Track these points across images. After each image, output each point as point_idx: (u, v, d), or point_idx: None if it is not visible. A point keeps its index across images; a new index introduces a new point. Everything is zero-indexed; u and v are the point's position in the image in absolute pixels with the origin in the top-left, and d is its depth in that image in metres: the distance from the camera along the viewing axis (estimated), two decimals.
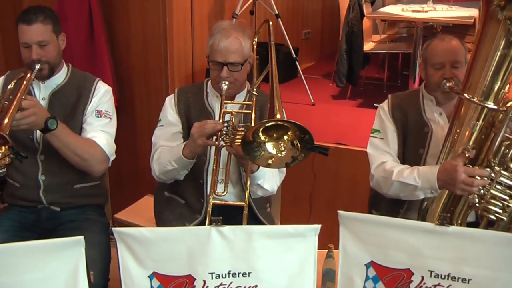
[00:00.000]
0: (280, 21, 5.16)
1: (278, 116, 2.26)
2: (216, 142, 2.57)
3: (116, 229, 1.90)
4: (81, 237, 1.86)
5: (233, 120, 2.64)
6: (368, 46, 5.94)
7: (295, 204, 4.37)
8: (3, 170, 3.93)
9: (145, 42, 4.48)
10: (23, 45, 2.75)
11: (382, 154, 2.86)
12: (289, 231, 1.96)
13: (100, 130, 2.84)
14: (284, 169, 2.91)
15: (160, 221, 3.00)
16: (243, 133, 2.49)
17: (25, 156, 2.46)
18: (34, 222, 2.89)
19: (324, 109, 5.41)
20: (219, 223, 1.90)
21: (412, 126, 2.86)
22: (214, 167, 2.62)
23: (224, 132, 2.55)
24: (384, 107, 2.93)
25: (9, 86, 2.72)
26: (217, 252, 1.92)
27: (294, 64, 5.62)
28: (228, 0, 5.15)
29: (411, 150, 2.86)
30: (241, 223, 2.63)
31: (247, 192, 2.63)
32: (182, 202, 2.95)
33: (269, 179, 2.79)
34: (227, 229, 1.91)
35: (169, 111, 2.92)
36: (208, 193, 2.77)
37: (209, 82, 2.94)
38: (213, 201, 2.58)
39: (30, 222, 2.89)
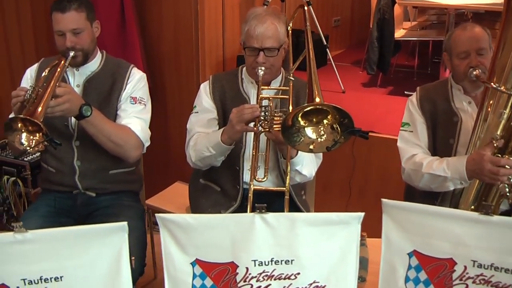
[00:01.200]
0: (311, 8, 5.11)
1: (318, 100, 2.24)
2: (255, 128, 2.56)
3: (159, 215, 1.90)
4: (125, 223, 1.86)
5: (271, 106, 2.63)
6: (399, 33, 5.88)
7: (326, 192, 4.35)
8: (36, 155, 3.99)
9: (177, 30, 4.46)
10: (57, 33, 2.75)
11: (412, 147, 2.84)
12: (333, 218, 1.94)
13: (134, 116, 2.84)
14: (321, 155, 2.90)
15: (196, 208, 3.00)
16: (281, 118, 2.49)
17: (59, 143, 2.46)
18: (70, 208, 2.91)
19: (355, 96, 5.37)
20: (263, 210, 1.89)
21: (441, 117, 2.83)
22: (254, 153, 2.62)
23: (262, 118, 2.54)
24: (412, 100, 2.90)
25: (44, 74, 2.72)
26: (260, 239, 1.91)
27: (324, 52, 5.57)
28: None
29: (442, 141, 2.83)
30: (278, 210, 2.59)
31: (288, 178, 2.61)
32: (217, 189, 2.94)
33: (307, 165, 2.78)
34: (271, 216, 1.90)
35: (204, 98, 2.92)
36: (248, 179, 2.77)
37: (244, 68, 2.94)
38: (254, 187, 2.57)
39: (66, 207, 2.90)
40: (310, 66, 2.48)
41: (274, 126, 2.51)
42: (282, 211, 2.66)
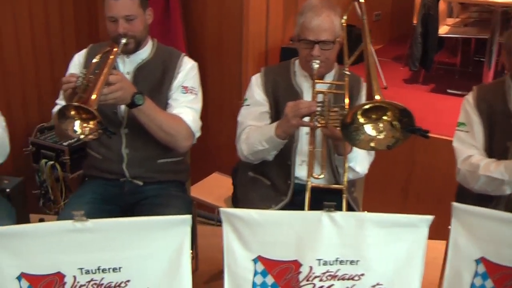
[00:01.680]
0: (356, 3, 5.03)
1: (378, 97, 2.19)
2: (311, 123, 2.51)
3: (223, 210, 1.86)
4: (189, 216, 1.83)
5: (327, 101, 2.57)
6: (442, 30, 5.78)
7: (369, 190, 4.28)
8: (74, 140, 3.98)
9: (221, 19, 4.41)
10: (110, 19, 2.71)
11: (468, 148, 2.75)
12: (401, 220, 1.90)
13: (186, 106, 2.80)
14: (373, 152, 2.84)
15: (244, 201, 2.95)
16: (337, 114, 2.45)
17: (114, 132, 2.42)
18: (116, 195, 2.87)
19: (397, 93, 5.29)
20: (332, 209, 1.83)
21: (499, 118, 2.74)
22: (311, 149, 2.56)
23: (318, 113, 2.49)
24: (469, 99, 2.81)
25: (94, 60, 2.65)
26: (326, 238, 1.87)
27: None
28: None
29: (498, 143, 2.74)
30: None
31: (346, 175, 2.56)
32: (267, 183, 2.89)
33: (361, 161, 2.73)
34: (339, 215, 1.86)
35: (256, 91, 2.87)
36: (299, 174, 2.78)
37: (296, 61, 2.89)
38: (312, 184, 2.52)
39: (112, 195, 2.87)
40: (368, 62, 2.42)
41: (330, 121, 2.47)
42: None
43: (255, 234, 1.87)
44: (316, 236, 1.86)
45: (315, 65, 2.64)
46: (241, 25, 4.34)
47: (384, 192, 4.28)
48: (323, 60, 2.67)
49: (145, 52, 2.87)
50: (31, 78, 4.35)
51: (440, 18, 5.58)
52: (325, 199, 2.52)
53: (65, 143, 4.08)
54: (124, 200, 2.87)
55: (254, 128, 2.78)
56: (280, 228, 1.86)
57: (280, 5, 4.75)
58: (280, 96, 2.83)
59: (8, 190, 3.09)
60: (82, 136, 2.37)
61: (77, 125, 2.36)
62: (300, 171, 2.81)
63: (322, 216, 1.85)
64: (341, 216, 1.86)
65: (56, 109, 2.94)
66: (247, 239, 1.88)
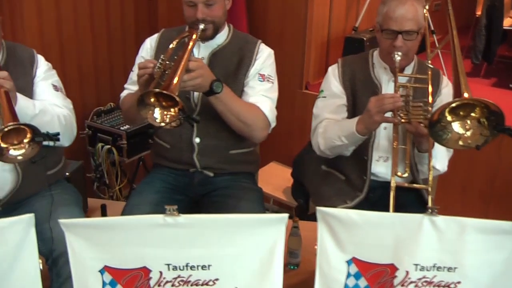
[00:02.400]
0: None
1: (466, 94, 2.15)
2: (396, 119, 2.45)
3: (320, 209, 1.81)
4: (286, 215, 1.77)
5: (411, 95, 2.51)
6: (506, 22, 5.65)
7: (444, 190, 4.19)
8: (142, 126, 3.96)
9: (284, 8, 4.35)
10: (188, 3, 2.66)
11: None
12: (504, 227, 1.82)
13: (262, 95, 2.75)
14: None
15: (317, 195, 2.92)
16: (421, 109, 2.43)
17: (198, 120, 2.38)
18: (186, 186, 2.85)
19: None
20: (435, 211, 1.77)
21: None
22: (395, 146, 2.51)
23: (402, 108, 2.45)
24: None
25: (171, 46, 2.61)
26: (426, 243, 1.81)
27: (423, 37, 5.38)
28: None
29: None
30: (404, 204, 2.57)
31: (431, 173, 2.51)
32: (342, 178, 2.85)
33: (441, 158, 2.69)
34: (441, 219, 1.79)
35: (333, 82, 2.83)
36: (376, 170, 2.76)
37: (375, 53, 2.84)
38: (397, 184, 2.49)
39: (182, 185, 2.85)
40: (455, 55, 2.36)
41: (414, 117, 2.43)
42: (409, 205, 2.59)
43: (351, 235, 1.81)
44: (416, 240, 1.80)
45: (397, 57, 2.59)
46: (305, 13, 4.27)
47: (462, 193, 4.19)
48: (405, 52, 2.62)
49: (221, 37, 2.82)
50: (88, 61, 4.34)
51: (504, 10, 5.46)
52: (401, 196, 2.49)
53: (122, 128, 4.06)
54: (194, 191, 2.85)
55: (332, 122, 2.74)
56: (378, 230, 1.81)
57: None
58: (358, 89, 2.79)
59: (67, 173, 3.06)
60: (162, 124, 2.33)
61: (157, 112, 2.33)
62: (377, 167, 2.77)
63: (423, 219, 1.79)
64: (443, 220, 1.79)
65: (124, 93, 2.93)
66: (343, 239, 1.83)
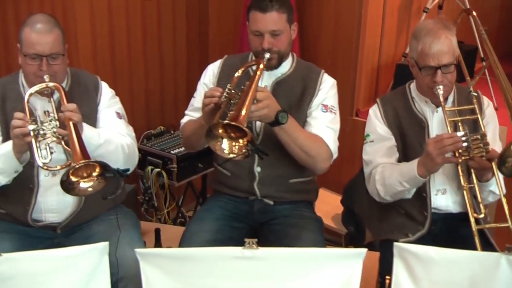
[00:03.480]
0: (471, 17, 4.94)
1: None
2: (457, 159, 2.48)
3: (398, 244, 1.84)
4: (364, 250, 1.80)
5: (466, 129, 2.53)
6: None
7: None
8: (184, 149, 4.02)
9: (336, 32, 4.39)
10: (254, 33, 2.73)
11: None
12: None
13: (326, 126, 2.78)
14: None
15: (377, 229, 2.93)
16: (480, 142, 2.44)
17: (267, 153, 2.43)
18: (246, 213, 2.90)
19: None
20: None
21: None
22: (465, 187, 2.54)
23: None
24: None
25: (236, 74, 2.67)
26: (503, 283, 1.82)
27: (472, 63, 5.38)
28: None
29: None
30: (464, 235, 2.58)
31: (506, 208, 2.53)
32: (402, 212, 2.85)
33: (498, 182, 2.64)
34: None
35: (378, 125, 2.83)
36: (436, 204, 2.75)
37: (412, 85, 2.85)
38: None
39: (242, 212, 2.90)
40: (502, 83, 2.38)
41: (475, 152, 2.45)
42: (468, 236, 2.56)
43: (428, 271, 1.84)
44: (492, 279, 1.82)
45: (440, 91, 2.60)
46: (357, 39, 4.31)
47: None
48: (446, 84, 2.62)
49: (285, 66, 2.86)
50: (139, 84, 4.42)
51: None
52: (459, 226, 2.51)
53: (172, 151, 4.12)
54: (253, 218, 2.90)
55: (388, 167, 2.73)
56: (455, 267, 1.83)
57: (394, 20, 4.72)
58: (404, 127, 2.79)
59: None
60: (231, 155, 2.38)
61: (225, 143, 2.38)
62: (437, 201, 2.77)
63: (501, 258, 1.81)
64: None
65: (185, 119, 2.99)
66: (419, 276, 1.85)
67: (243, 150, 2.37)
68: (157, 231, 3.14)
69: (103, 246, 1.99)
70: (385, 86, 4.71)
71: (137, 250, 1.90)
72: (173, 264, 1.88)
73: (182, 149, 4.14)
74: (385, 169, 2.72)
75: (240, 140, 2.37)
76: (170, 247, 2.85)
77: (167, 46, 4.55)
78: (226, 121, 2.32)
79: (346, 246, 3.75)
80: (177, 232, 3.14)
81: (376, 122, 2.83)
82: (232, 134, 2.37)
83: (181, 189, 4.48)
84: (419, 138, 2.63)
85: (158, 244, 3.09)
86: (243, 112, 2.35)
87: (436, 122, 2.76)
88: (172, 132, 4.49)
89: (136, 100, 4.42)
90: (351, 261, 1.82)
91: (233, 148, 2.38)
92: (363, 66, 4.42)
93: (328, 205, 4.22)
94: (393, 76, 4.48)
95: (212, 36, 4.86)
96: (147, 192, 4.26)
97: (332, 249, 1.91)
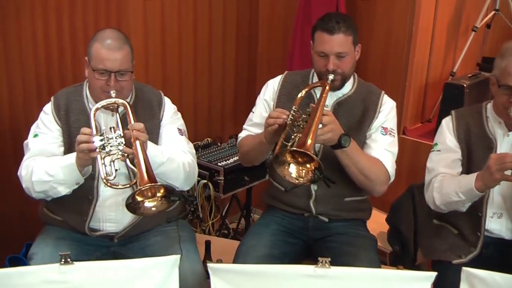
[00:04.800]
0: None
1: None
2: None
3: (466, 269, 1.90)
4: (434, 273, 1.86)
5: None
6: None
7: None
8: (233, 161, 4.09)
9: (386, 49, 4.43)
10: (319, 54, 2.79)
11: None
12: None
13: (385, 149, 2.85)
14: None
15: (429, 249, 2.99)
16: None
17: (334, 181, 2.51)
18: (301, 229, 2.97)
19: None
20: None
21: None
22: None
23: None
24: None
25: (300, 95, 2.74)
26: None
27: None
28: (466, 11, 5.01)
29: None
30: None
31: None
32: (454, 232, 2.90)
33: None
34: None
35: (448, 136, 2.88)
36: (490, 227, 2.78)
37: (489, 105, 2.88)
38: None
39: (297, 228, 2.97)
40: None
41: None
42: None
43: None
44: None
45: None
46: (407, 57, 4.35)
47: None
48: None
49: (347, 87, 2.92)
50: (188, 96, 4.53)
51: None
52: (507, 251, 2.55)
53: (220, 163, 4.19)
54: (308, 235, 2.97)
55: (448, 177, 2.78)
56: None
57: (443, 38, 4.75)
58: (473, 143, 2.83)
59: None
60: (298, 180, 2.44)
61: (292, 168, 2.45)
62: (491, 224, 2.81)
63: None
64: None
65: (243, 134, 3.07)
66: None
67: (310, 175, 2.42)
68: (208, 244, 3.21)
69: (175, 258, 2.08)
70: (432, 105, 4.74)
71: (210, 264, 1.98)
72: (244, 280, 1.95)
73: (229, 161, 4.24)
74: (445, 179, 2.77)
75: (307, 165, 2.43)
76: (220, 259, 2.91)
77: (217, 59, 4.66)
78: (295, 148, 2.39)
79: (391, 265, 3.79)
80: (224, 245, 3.27)
81: (446, 133, 2.88)
82: (300, 159, 2.44)
83: (225, 201, 4.56)
84: (485, 158, 2.64)
85: (208, 256, 3.16)
86: (310, 137, 2.41)
87: (506, 145, 2.79)
88: (218, 144, 4.59)
89: (185, 112, 4.47)
90: (420, 284, 1.88)
91: (301, 172, 2.44)
92: (411, 84, 4.45)
93: (374, 223, 4.23)
94: (440, 95, 4.50)
95: (260, 49, 4.98)
96: (193, 203, 4.33)
97: (403, 271, 1.96)
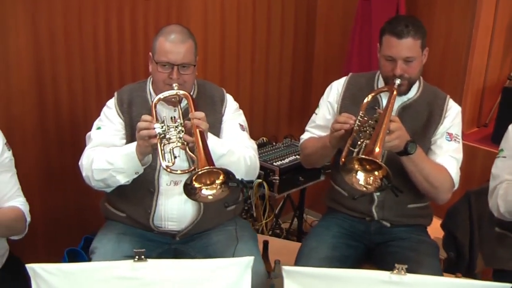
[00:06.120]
0: None
1: None
2: None
3: None
4: (509, 285, 1.86)
5: None
6: None
7: None
8: (286, 161, 4.12)
9: (445, 52, 4.42)
10: (387, 58, 2.79)
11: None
12: None
13: (450, 155, 2.85)
14: None
15: (491, 257, 3.01)
16: None
17: (401, 191, 2.52)
18: (362, 233, 3.01)
19: None
20: None
21: None
22: None
23: None
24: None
25: (366, 100, 2.75)
26: None
27: None
28: None
29: None
30: None
31: None
32: None
33: None
34: None
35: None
36: None
37: None
38: None
39: (358, 232, 3.01)
40: None
41: None
42: None
43: None
44: None
45: None
46: (466, 59, 4.33)
47: None
48: None
49: (412, 91, 2.92)
50: (245, 94, 4.58)
51: None
52: None
53: (275, 163, 4.22)
54: (370, 239, 3.00)
55: None
56: None
57: (501, 41, 4.70)
58: None
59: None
60: (366, 188, 2.47)
61: (360, 175, 2.47)
62: None
63: None
64: None
65: (306, 136, 3.11)
66: None
67: (378, 183, 2.45)
68: (266, 244, 3.22)
69: (249, 260, 2.12)
70: (489, 109, 4.71)
71: (284, 267, 2.02)
72: (319, 283, 1.98)
73: (285, 161, 4.28)
74: (510, 186, 2.74)
75: (375, 173, 2.45)
76: (278, 260, 2.94)
77: (274, 58, 4.71)
78: (363, 156, 2.42)
79: (445, 271, 3.79)
80: (280, 245, 3.31)
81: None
82: (368, 167, 2.46)
83: (278, 201, 4.61)
84: None
85: (265, 256, 3.19)
86: (378, 145, 2.44)
87: None
88: (273, 143, 4.63)
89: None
90: None
91: (368, 180, 2.47)
92: (469, 87, 4.43)
93: (428, 228, 4.24)
94: (497, 99, 4.47)
95: (317, 49, 5.01)
96: (247, 202, 4.38)
97: (479, 282, 1.96)
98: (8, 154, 2.69)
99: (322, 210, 3.34)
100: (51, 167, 3.62)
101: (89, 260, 2.83)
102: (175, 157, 2.55)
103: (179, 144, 2.53)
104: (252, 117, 4.65)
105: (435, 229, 3.88)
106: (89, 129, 2.95)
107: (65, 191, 3.71)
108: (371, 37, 4.26)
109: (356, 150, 2.58)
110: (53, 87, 3.50)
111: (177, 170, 2.56)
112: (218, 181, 2.44)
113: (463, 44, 4.34)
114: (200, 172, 2.34)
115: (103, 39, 3.65)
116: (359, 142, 2.59)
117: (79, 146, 3.29)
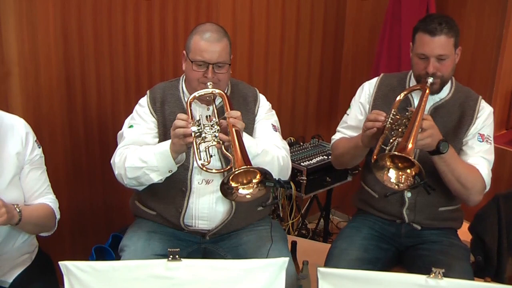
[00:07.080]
0: None
1: None
2: None
3: None
4: None
5: None
6: None
7: None
8: (314, 161, 4.12)
9: (475, 53, 4.39)
10: (419, 56, 2.80)
11: None
12: None
13: (481, 156, 2.84)
14: None
15: None
16: None
17: (434, 188, 2.52)
18: (393, 235, 3.01)
19: None
20: None
21: None
22: None
23: None
24: None
25: (398, 98, 2.76)
26: None
27: None
28: None
29: None
30: None
31: None
32: None
33: None
34: None
35: None
36: None
37: None
38: None
39: (389, 234, 3.01)
40: None
41: None
42: None
43: None
44: None
45: None
46: (496, 60, 4.30)
47: None
48: None
49: (445, 91, 2.93)
50: (273, 95, 4.56)
51: None
52: None
53: (303, 163, 4.23)
54: (400, 241, 3.00)
55: None
56: None
57: None
58: None
59: None
60: (398, 186, 2.47)
61: (392, 173, 2.48)
62: None
63: None
64: None
65: (337, 136, 3.12)
66: None
67: (410, 180, 2.45)
68: (294, 244, 3.23)
69: (283, 261, 2.13)
70: None
71: (320, 268, 2.03)
72: (353, 285, 1.98)
73: (312, 161, 4.29)
74: None
75: (408, 170, 2.45)
76: (306, 261, 2.95)
77: (302, 58, 4.72)
78: (395, 153, 2.43)
79: (474, 276, 3.78)
80: (307, 245, 3.33)
81: None
82: (400, 164, 2.47)
83: (304, 201, 4.62)
84: None
85: (293, 257, 3.20)
86: (411, 142, 2.44)
87: None
88: (301, 143, 4.64)
89: None
90: None
91: (400, 177, 2.47)
92: (498, 89, 4.40)
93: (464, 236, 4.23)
94: None
95: (346, 50, 5.01)
96: (274, 201, 4.39)
97: None
98: (38, 152, 2.71)
99: (349, 211, 3.35)
100: (79, 165, 3.66)
101: (117, 257, 2.87)
102: (210, 156, 2.56)
103: (214, 143, 2.53)
104: (280, 117, 4.56)
105: (463, 232, 3.87)
106: (117, 128, 2.99)
107: (92, 188, 3.76)
108: (401, 38, 4.25)
109: (388, 148, 2.58)
110: (81, 86, 3.54)
111: (212, 169, 2.58)
112: (255, 180, 2.45)
113: (493, 45, 4.30)
114: (237, 172, 2.35)
115: (132, 38, 3.68)
116: (391, 140, 2.60)
117: (107, 144, 3.31)
